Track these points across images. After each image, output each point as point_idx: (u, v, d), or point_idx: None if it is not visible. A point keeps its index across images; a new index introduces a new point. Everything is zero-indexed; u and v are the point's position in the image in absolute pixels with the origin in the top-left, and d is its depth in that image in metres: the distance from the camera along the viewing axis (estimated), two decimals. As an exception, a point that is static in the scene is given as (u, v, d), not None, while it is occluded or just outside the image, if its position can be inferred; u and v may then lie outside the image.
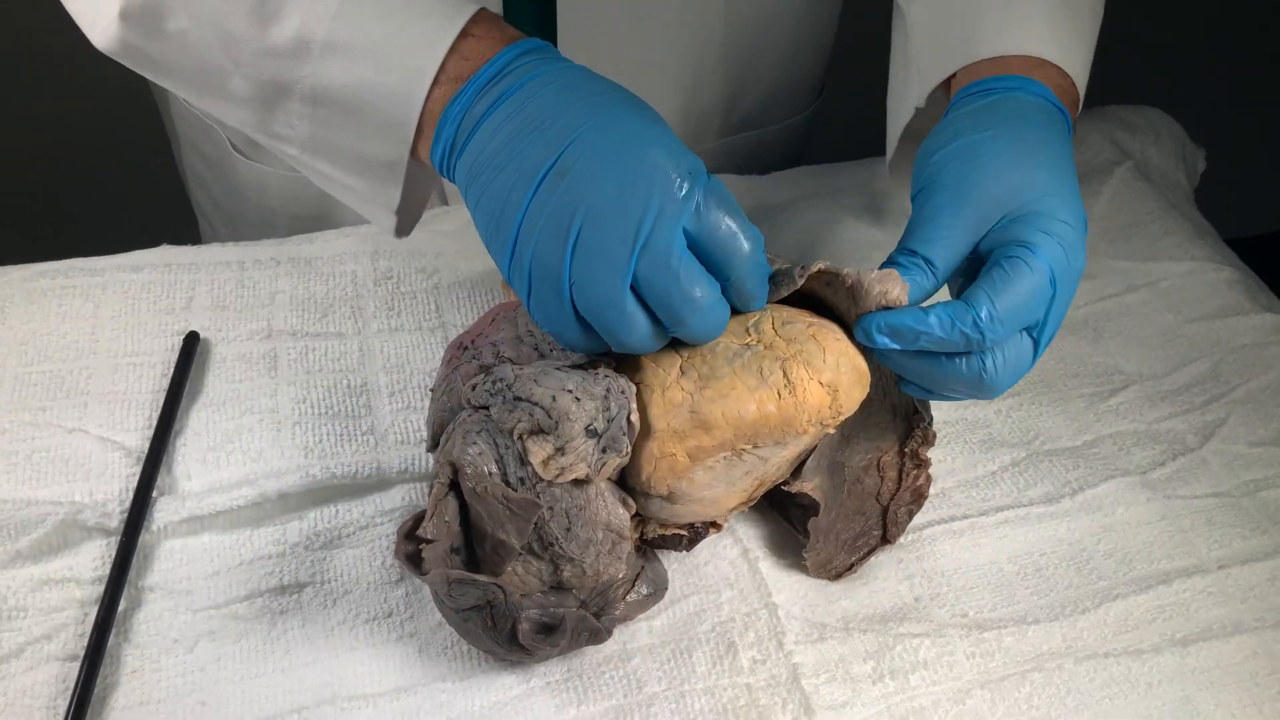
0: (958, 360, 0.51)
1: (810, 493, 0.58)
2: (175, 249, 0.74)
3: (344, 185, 0.57)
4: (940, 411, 0.69)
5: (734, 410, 0.49)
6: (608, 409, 0.49)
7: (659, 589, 0.56)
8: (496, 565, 0.51)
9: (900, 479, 0.59)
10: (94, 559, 0.59)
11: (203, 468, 0.63)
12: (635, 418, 0.50)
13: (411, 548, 0.51)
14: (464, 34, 0.51)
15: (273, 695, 0.54)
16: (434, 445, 0.56)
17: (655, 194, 0.46)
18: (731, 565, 0.59)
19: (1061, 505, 0.64)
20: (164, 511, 0.61)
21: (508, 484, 0.50)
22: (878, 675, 0.55)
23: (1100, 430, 0.68)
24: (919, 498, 0.59)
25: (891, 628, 0.57)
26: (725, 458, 0.51)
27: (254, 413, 0.66)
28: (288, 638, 0.56)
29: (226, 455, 0.63)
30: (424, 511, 0.51)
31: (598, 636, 0.53)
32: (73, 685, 0.53)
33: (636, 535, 0.55)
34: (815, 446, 0.57)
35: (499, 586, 0.50)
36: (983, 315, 0.49)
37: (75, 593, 0.57)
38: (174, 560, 0.59)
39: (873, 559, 0.60)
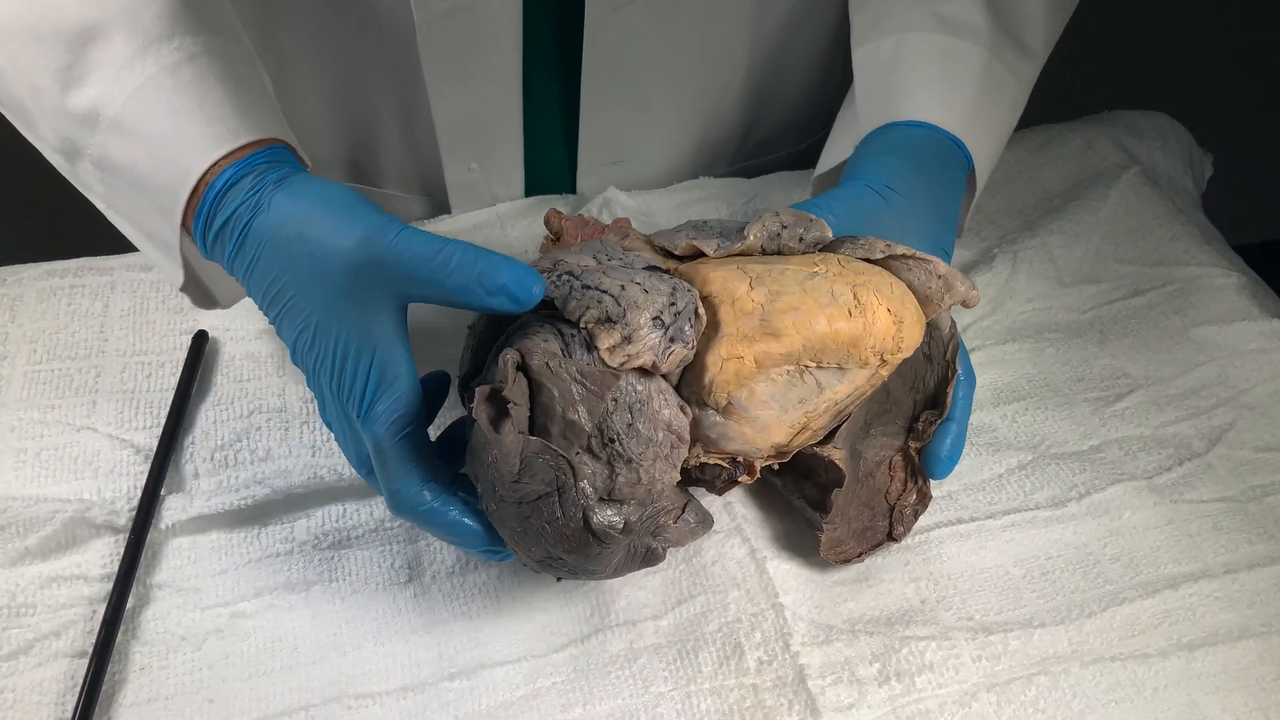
0: None
1: (838, 462, 0.57)
2: (184, 248, 0.75)
3: (143, 250, 0.59)
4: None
5: (805, 321, 0.50)
6: (674, 303, 0.50)
7: (706, 521, 0.54)
8: (565, 449, 0.49)
9: (906, 481, 0.59)
10: (102, 556, 0.59)
11: (211, 466, 0.63)
12: (702, 311, 0.50)
13: (493, 410, 0.49)
14: (242, 147, 0.53)
15: (280, 693, 0.54)
16: (467, 381, 0.56)
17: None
18: (739, 565, 0.60)
19: (1068, 509, 0.64)
20: (172, 509, 0.61)
21: (563, 308, 0.50)
22: (884, 677, 0.55)
23: (1107, 434, 0.68)
24: (924, 499, 0.59)
25: (898, 630, 0.57)
26: (788, 372, 0.51)
27: (262, 412, 0.66)
28: (295, 636, 0.56)
29: (235, 454, 0.63)
30: (494, 388, 0.49)
31: (653, 557, 0.52)
32: (81, 682, 0.53)
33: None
34: (851, 414, 0.57)
35: (571, 466, 0.48)
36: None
37: (84, 590, 0.58)
38: (182, 558, 0.59)
39: (879, 559, 0.60)
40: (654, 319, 0.49)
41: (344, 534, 0.61)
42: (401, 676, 0.55)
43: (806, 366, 0.51)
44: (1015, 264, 0.78)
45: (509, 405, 0.48)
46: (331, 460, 0.63)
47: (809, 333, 0.50)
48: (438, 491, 0.51)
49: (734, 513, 0.62)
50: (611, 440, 0.49)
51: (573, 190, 0.86)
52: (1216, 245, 0.82)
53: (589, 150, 0.83)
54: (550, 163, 0.84)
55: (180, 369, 0.67)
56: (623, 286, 0.49)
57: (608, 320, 0.49)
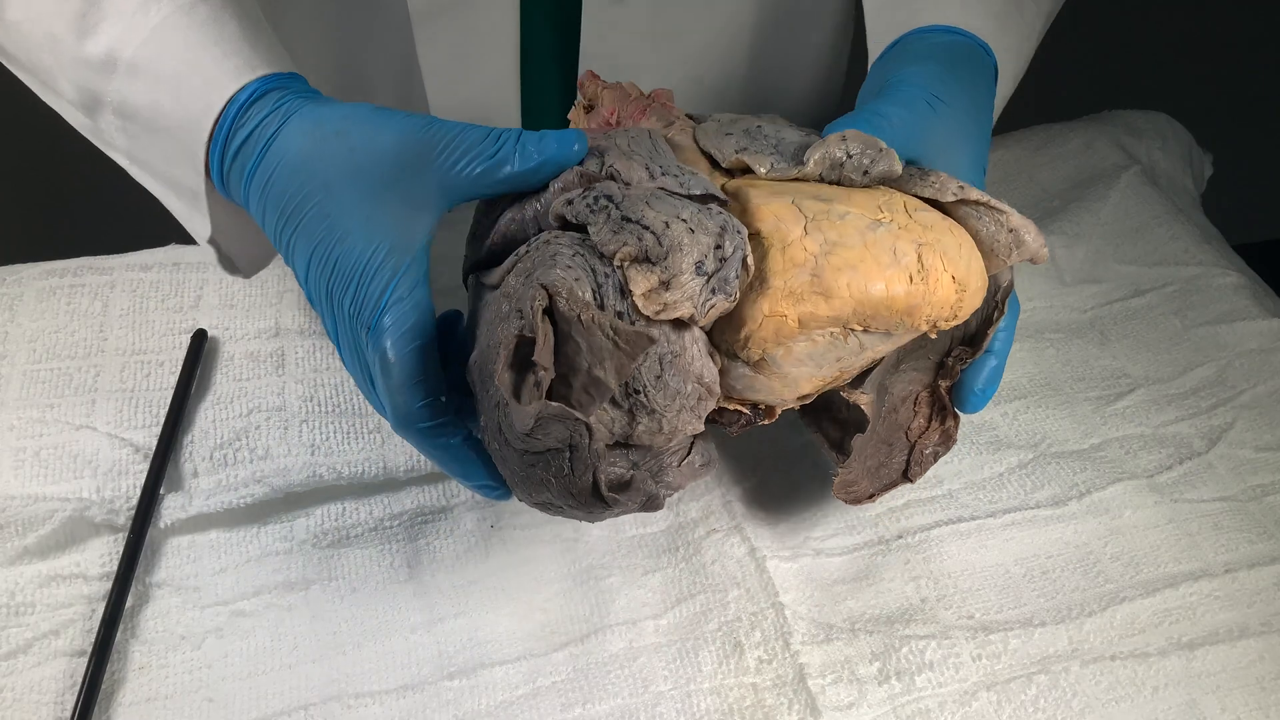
0: None
1: (864, 406, 0.54)
2: (184, 248, 0.75)
3: (169, 206, 0.58)
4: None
5: (861, 283, 0.45)
6: (721, 247, 0.44)
7: (710, 462, 0.50)
8: (585, 406, 0.45)
9: (931, 419, 0.56)
10: (101, 555, 0.59)
11: (210, 465, 0.63)
12: (750, 261, 0.45)
13: (517, 377, 0.45)
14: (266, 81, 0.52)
15: (279, 692, 0.54)
16: (475, 267, 0.52)
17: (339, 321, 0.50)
18: (739, 564, 0.60)
19: (1068, 508, 0.63)
20: (171, 508, 0.61)
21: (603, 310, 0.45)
22: (884, 676, 0.55)
23: (1107, 433, 0.68)
24: (947, 440, 0.56)
25: (898, 629, 0.57)
26: (832, 334, 0.47)
27: (261, 410, 0.66)
28: (295, 635, 0.56)
29: (234, 453, 0.63)
30: (521, 338, 0.44)
31: (653, 503, 0.48)
32: (80, 681, 0.53)
33: None
34: (884, 359, 0.54)
35: (588, 428, 0.44)
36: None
37: (83, 589, 0.58)
38: (181, 557, 0.59)
39: (879, 558, 0.60)
40: (697, 264, 0.44)
41: (343, 533, 0.61)
42: (401, 675, 0.55)
43: (853, 330, 0.46)
44: (1016, 265, 0.78)
45: (536, 371, 0.44)
46: (330, 459, 0.63)
47: (863, 296, 0.45)
48: (442, 412, 0.49)
49: (734, 512, 0.62)
50: (637, 391, 0.45)
51: None
52: (1216, 245, 0.82)
53: None
54: None
55: (179, 368, 0.67)
56: (667, 224, 0.44)
57: (646, 260, 0.44)
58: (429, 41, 0.71)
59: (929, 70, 0.55)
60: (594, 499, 0.46)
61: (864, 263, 0.45)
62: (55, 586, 0.57)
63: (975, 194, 0.48)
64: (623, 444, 0.47)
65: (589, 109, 0.61)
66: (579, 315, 0.43)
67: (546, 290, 0.44)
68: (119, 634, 0.55)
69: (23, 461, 0.62)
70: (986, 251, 0.49)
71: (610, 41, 0.75)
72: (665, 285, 0.43)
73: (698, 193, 0.45)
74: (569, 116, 0.60)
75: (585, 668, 0.55)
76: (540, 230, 0.49)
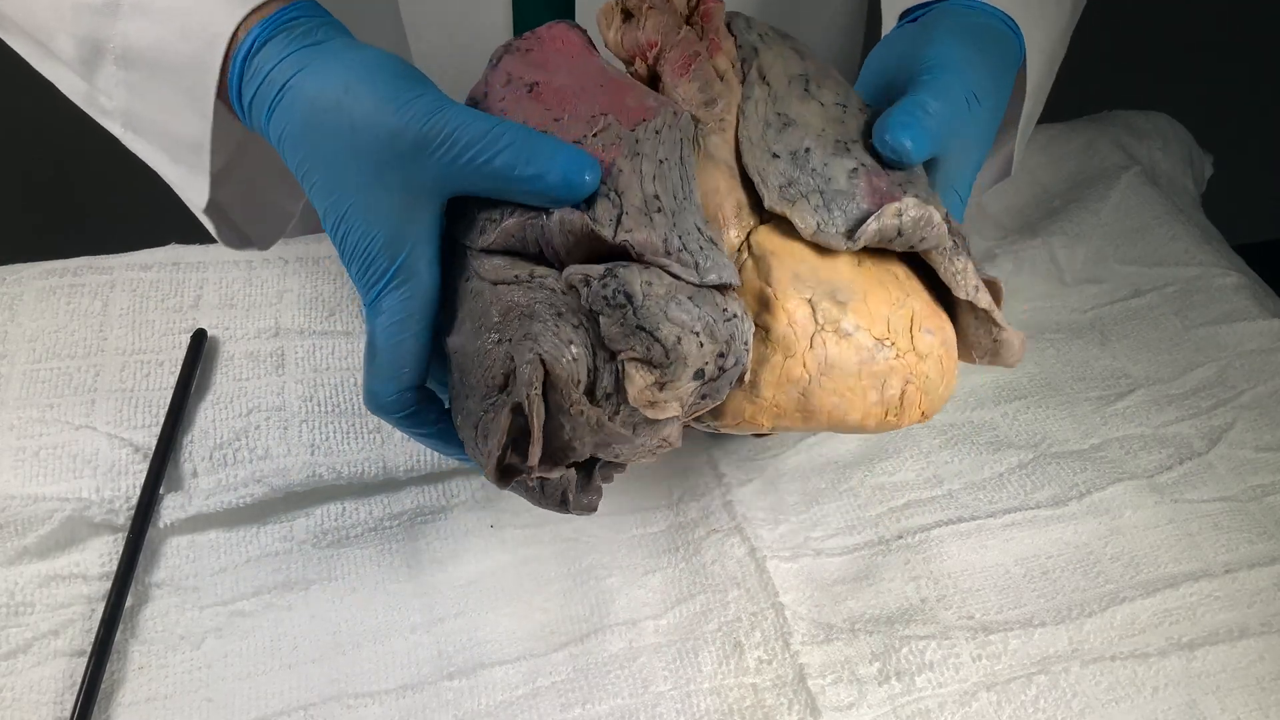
0: None
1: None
2: (184, 248, 0.75)
3: (164, 175, 0.56)
4: (946, 413, 0.69)
5: (841, 411, 0.47)
6: (724, 356, 0.44)
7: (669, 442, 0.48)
8: (556, 463, 0.46)
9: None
10: (101, 555, 0.59)
11: (210, 465, 0.63)
12: (748, 376, 0.46)
13: (502, 456, 0.46)
14: (264, 5, 0.49)
15: (279, 692, 0.54)
16: (457, 228, 0.49)
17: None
18: (739, 565, 0.60)
19: (1069, 508, 0.63)
20: (171, 508, 0.61)
21: (593, 396, 0.44)
22: (884, 676, 0.55)
23: (1107, 433, 0.68)
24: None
25: (898, 629, 0.57)
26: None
27: (261, 410, 0.66)
28: (294, 635, 0.56)
29: (234, 453, 0.63)
30: (513, 433, 0.45)
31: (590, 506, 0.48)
32: (79, 681, 0.53)
33: None
34: None
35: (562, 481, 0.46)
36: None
37: (82, 589, 0.58)
38: (181, 557, 0.59)
39: (879, 558, 0.60)
40: (697, 371, 0.43)
41: (343, 533, 0.61)
42: (401, 675, 0.55)
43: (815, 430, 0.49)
44: (1017, 264, 0.78)
45: (528, 475, 0.46)
46: (330, 459, 0.63)
47: (839, 421, 0.47)
48: (415, 403, 0.49)
49: (734, 512, 0.62)
50: (608, 444, 0.46)
51: None
52: (1217, 245, 0.82)
53: None
54: None
55: (179, 368, 0.67)
56: (679, 339, 0.42)
57: (648, 363, 0.43)
58: (417, 19, 0.70)
59: (969, 59, 0.53)
60: (561, 506, 0.47)
61: (852, 393, 0.46)
62: (55, 586, 0.57)
63: (984, 301, 0.49)
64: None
65: (626, 16, 0.52)
66: (570, 403, 0.44)
67: (544, 367, 0.44)
68: (119, 634, 0.55)
69: (22, 461, 0.62)
70: (964, 344, 0.50)
71: None
72: (660, 386, 0.43)
73: (712, 281, 0.44)
74: (598, 17, 0.51)
75: (585, 668, 0.55)
76: (542, 252, 0.47)
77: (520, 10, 0.73)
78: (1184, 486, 0.65)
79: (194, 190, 0.54)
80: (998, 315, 0.49)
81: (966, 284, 0.48)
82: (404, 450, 0.64)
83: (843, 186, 0.47)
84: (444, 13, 0.72)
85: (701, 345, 0.43)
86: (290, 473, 0.62)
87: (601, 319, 0.43)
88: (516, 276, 0.45)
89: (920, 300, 0.48)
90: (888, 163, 0.48)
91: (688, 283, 0.43)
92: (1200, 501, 0.64)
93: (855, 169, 0.48)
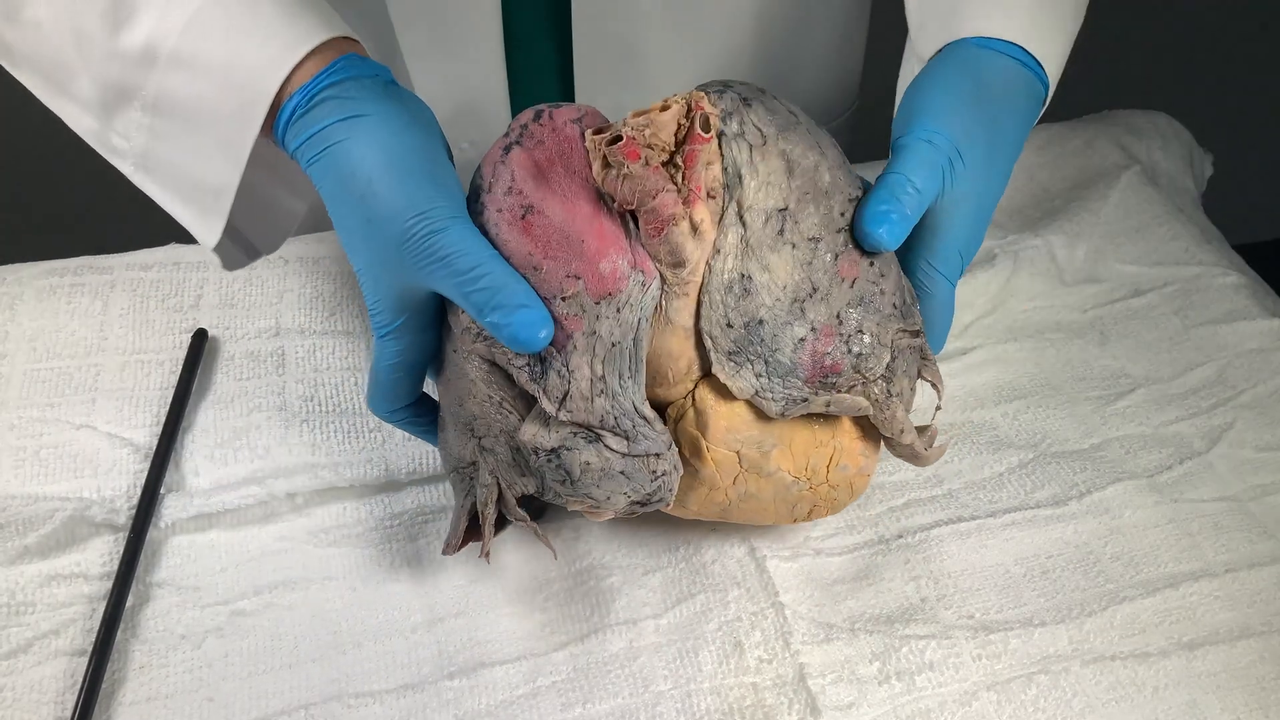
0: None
1: None
2: (184, 247, 0.75)
3: (173, 212, 0.57)
4: (946, 413, 0.69)
5: (755, 520, 0.57)
6: (646, 504, 0.53)
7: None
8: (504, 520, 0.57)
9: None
10: (102, 555, 0.59)
11: (211, 465, 0.63)
12: (671, 502, 0.53)
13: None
14: (308, 56, 0.51)
15: (280, 691, 0.54)
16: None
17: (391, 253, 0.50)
18: (739, 564, 0.60)
19: (1069, 508, 0.63)
20: (172, 508, 0.61)
21: (541, 492, 0.53)
22: (884, 676, 0.55)
23: (1107, 433, 0.68)
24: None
25: (898, 629, 0.57)
26: None
27: (262, 410, 0.66)
28: (295, 634, 0.56)
29: (234, 452, 0.63)
30: (463, 533, 0.55)
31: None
32: (80, 680, 0.53)
33: None
34: None
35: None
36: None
37: (83, 588, 0.58)
38: (182, 556, 0.59)
39: (880, 557, 0.60)
40: (626, 506, 0.53)
41: (343, 532, 0.61)
42: (401, 675, 0.55)
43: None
44: (1016, 263, 0.78)
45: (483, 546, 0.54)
46: (331, 459, 0.63)
47: (750, 523, 0.58)
48: (405, 414, 0.57)
49: (734, 511, 0.62)
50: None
51: None
52: (1217, 245, 0.82)
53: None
54: None
55: (180, 367, 0.67)
56: (609, 496, 0.52)
57: (585, 497, 0.52)
58: (405, 19, 0.70)
59: (955, 110, 0.55)
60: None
61: (765, 512, 0.56)
62: (56, 586, 0.57)
63: (907, 440, 0.54)
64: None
65: (605, 163, 0.51)
66: (515, 519, 0.54)
67: (499, 490, 0.54)
68: (119, 633, 0.56)
69: (23, 461, 0.62)
70: (890, 448, 0.56)
71: (603, 14, 0.73)
72: (595, 508, 0.53)
73: (642, 453, 0.51)
74: (588, 143, 0.51)
75: (585, 667, 0.55)
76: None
77: (513, 42, 0.73)
78: (1184, 486, 0.65)
79: (206, 229, 0.56)
80: (920, 451, 0.55)
81: (894, 430, 0.54)
82: (405, 451, 0.64)
83: (786, 359, 0.51)
84: (432, 12, 0.72)
85: (628, 498, 0.52)
86: (291, 472, 0.62)
87: (547, 479, 0.52)
88: (489, 397, 0.52)
89: (847, 436, 0.54)
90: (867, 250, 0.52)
91: (620, 454, 0.50)
92: (1200, 501, 0.64)
93: (803, 339, 0.51)
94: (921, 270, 0.55)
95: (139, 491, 0.61)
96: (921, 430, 0.57)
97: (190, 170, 0.54)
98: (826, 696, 0.54)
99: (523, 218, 0.50)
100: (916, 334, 0.54)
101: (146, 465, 0.62)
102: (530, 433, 0.51)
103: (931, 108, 0.55)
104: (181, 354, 0.68)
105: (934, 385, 0.56)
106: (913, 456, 0.56)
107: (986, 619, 0.58)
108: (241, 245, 0.60)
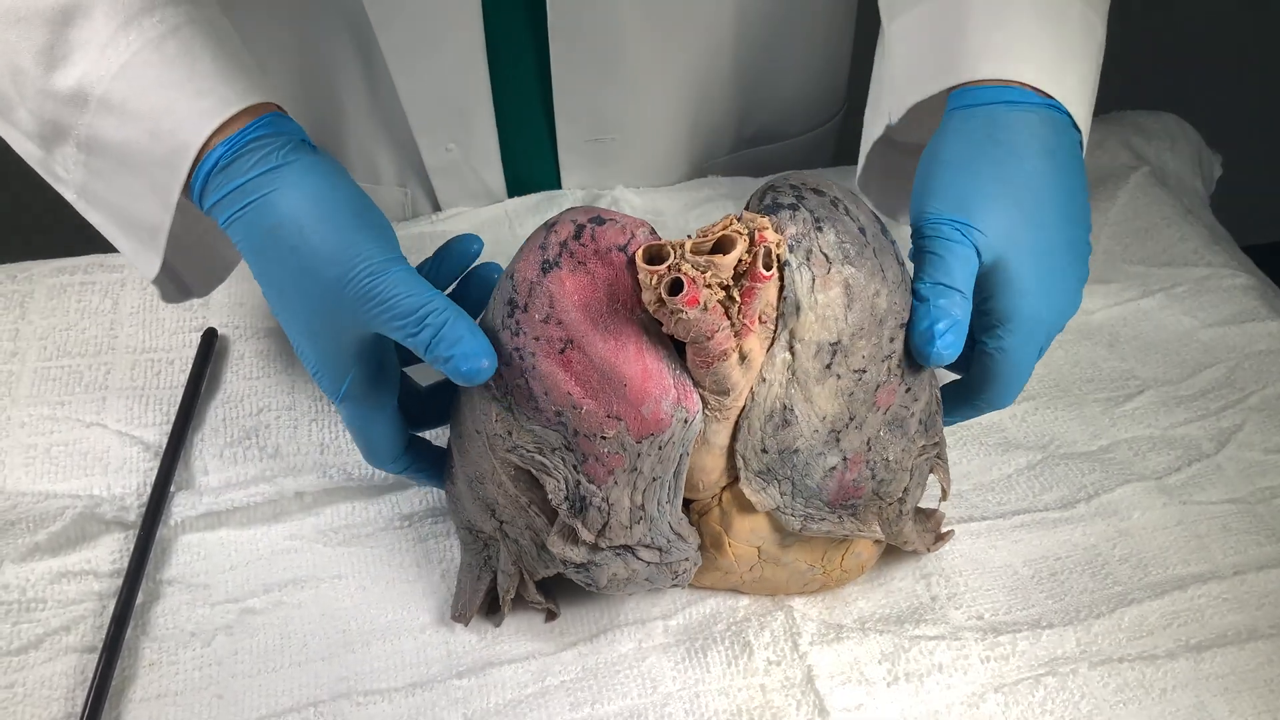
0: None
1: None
2: (194, 246, 0.75)
3: (115, 241, 0.58)
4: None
5: (769, 588, 0.58)
6: (672, 577, 0.54)
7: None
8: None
9: None
10: (112, 552, 0.59)
11: (220, 463, 0.63)
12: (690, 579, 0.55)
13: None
14: (237, 116, 0.51)
15: (289, 689, 0.54)
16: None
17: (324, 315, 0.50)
18: (748, 565, 0.60)
19: (1077, 510, 0.63)
20: (181, 506, 0.61)
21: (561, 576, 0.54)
22: (892, 678, 0.55)
23: (1116, 435, 0.68)
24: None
25: (907, 629, 0.57)
26: None
27: (271, 409, 0.66)
28: (304, 632, 0.56)
29: (244, 451, 0.64)
30: (476, 608, 0.56)
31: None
32: (90, 677, 0.53)
33: None
34: None
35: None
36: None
37: (93, 585, 0.58)
38: (191, 554, 0.60)
39: (889, 558, 0.60)
40: (641, 592, 0.56)
41: (352, 531, 0.61)
42: (410, 674, 0.55)
43: None
44: (1024, 264, 0.78)
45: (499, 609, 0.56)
46: (341, 458, 0.63)
47: (759, 594, 0.59)
48: (405, 465, 0.57)
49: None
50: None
51: (555, 170, 0.83)
52: (1225, 246, 0.82)
53: (567, 124, 0.80)
54: (530, 139, 0.81)
55: (190, 366, 0.67)
56: (630, 593, 0.55)
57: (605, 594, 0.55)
58: (385, 19, 0.70)
59: (1003, 202, 0.52)
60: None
61: (777, 590, 0.58)
62: (66, 583, 0.58)
63: (911, 547, 0.57)
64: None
65: (659, 302, 0.47)
66: (532, 602, 0.56)
67: (521, 578, 0.55)
68: (129, 631, 0.56)
69: (34, 459, 0.62)
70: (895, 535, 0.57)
71: (579, 9, 0.72)
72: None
73: (670, 561, 0.53)
74: (640, 275, 0.47)
75: (594, 667, 0.55)
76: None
77: (491, 12, 0.73)
78: (1193, 488, 0.65)
79: (144, 261, 0.57)
80: (922, 551, 0.59)
81: (898, 542, 0.56)
82: (413, 449, 0.64)
83: (814, 483, 0.52)
84: (411, 13, 0.72)
85: (645, 588, 0.54)
86: (300, 471, 0.62)
87: (571, 578, 0.53)
88: (517, 498, 0.52)
89: (862, 539, 0.56)
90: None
91: (649, 563, 0.52)
92: (1209, 503, 0.64)
93: (833, 468, 0.51)
94: (988, 347, 0.53)
95: (149, 489, 0.61)
96: (928, 514, 0.59)
97: (126, 207, 0.55)
98: (834, 698, 0.54)
99: (561, 352, 0.48)
100: (936, 444, 0.55)
101: (156, 463, 0.62)
102: (560, 546, 0.51)
103: (942, 183, 0.53)
104: (191, 353, 0.68)
105: (943, 488, 0.57)
106: (913, 551, 0.58)
107: (995, 620, 0.58)
108: (176, 283, 0.61)
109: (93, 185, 0.55)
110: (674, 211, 0.82)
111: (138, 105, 0.51)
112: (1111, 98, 0.98)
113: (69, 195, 0.56)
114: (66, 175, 0.55)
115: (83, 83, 0.52)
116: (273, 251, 0.50)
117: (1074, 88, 0.56)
